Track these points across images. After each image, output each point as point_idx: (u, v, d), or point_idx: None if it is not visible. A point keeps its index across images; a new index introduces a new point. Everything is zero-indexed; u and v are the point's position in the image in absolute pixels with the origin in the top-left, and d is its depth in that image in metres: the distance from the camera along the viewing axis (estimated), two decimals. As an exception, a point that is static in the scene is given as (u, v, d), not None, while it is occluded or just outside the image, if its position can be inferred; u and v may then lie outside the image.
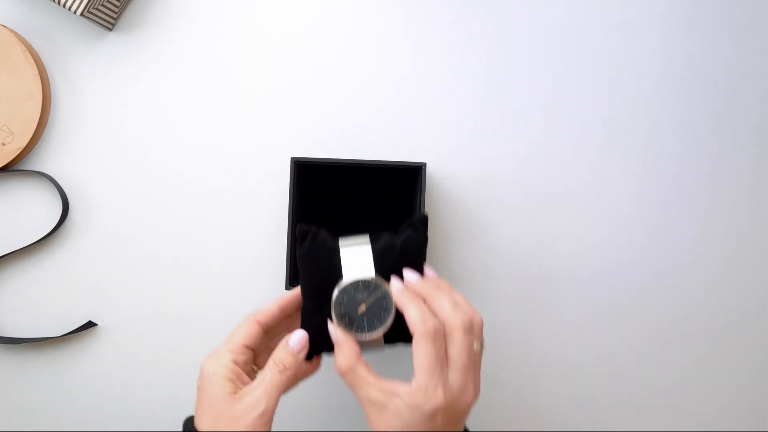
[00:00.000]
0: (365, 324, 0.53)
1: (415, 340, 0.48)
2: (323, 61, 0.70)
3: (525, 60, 0.70)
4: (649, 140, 0.70)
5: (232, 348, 0.51)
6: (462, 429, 0.51)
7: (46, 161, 0.69)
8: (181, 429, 0.54)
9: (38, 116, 0.67)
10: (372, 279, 0.53)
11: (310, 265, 0.55)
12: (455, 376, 0.48)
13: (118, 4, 0.67)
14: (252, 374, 0.53)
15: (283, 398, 0.51)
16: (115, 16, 0.68)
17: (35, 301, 0.69)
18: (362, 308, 0.53)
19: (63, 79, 0.70)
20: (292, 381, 0.52)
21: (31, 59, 0.67)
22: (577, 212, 0.70)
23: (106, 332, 0.69)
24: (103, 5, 0.66)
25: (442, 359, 0.48)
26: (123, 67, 0.70)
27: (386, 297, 0.53)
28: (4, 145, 0.67)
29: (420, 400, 0.47)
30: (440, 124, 0.70)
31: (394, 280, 0.53)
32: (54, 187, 0.70)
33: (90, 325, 0.69)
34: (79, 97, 0.70)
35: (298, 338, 0.52)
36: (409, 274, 0.53)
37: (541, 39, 0.70)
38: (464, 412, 0.49)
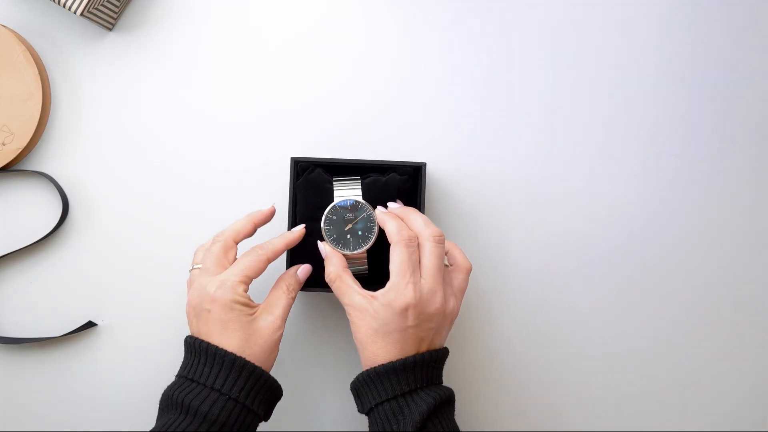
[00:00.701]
0: (351, 242, 0.61)
1: (391, 248, 0.55)
2: (323, 61, 0.70)
3: (525, 60, 0.70)
4: (649, 140, 0.70)
5: (244, 279, 0.56)
6: (433, 336, 0.56)
7: (46, 161, 0.69)
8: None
9: (38, 116, 0.67)
10: (359, 201, 0.61)
11: (307, 191, 0.63)
12: (426, 280, 0.54)
13: (118, 4, 0.67)
14: None
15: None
16: (115, 16, 0.68)
17: (35, 301, 0.69)
18: (349, 227, 0.61)
19: (63, 79, 0.70)
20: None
21: (31, 59, 0.67)
22: (578, 212, 0.70)
23: (106, 332, 0.69)
24: (103, 5, 0.66)
25: (415, 263, 0.55)
26: (123, 67, 0.70)
27: (371, 219, 0.61)
28: (4, 145, 0.67)
29: (392, 297, 0.54)
30: (440, 124, 0.70)
31: (379, 206, 0.60)
32: (54, 187, 0.70)
33: (90, 325, 0.69)
34: (79, 97, 0.70)
35: (306, 270, 0.60)
36: (391, 203, 0.61)
37: (541, 39, 0.70)
38: (435, 316, 0.54)
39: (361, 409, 0.57)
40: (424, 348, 0.55)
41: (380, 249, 0.62)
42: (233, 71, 0.70)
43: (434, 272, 0.55)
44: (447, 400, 0.55)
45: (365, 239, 0.61)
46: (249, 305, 0.56)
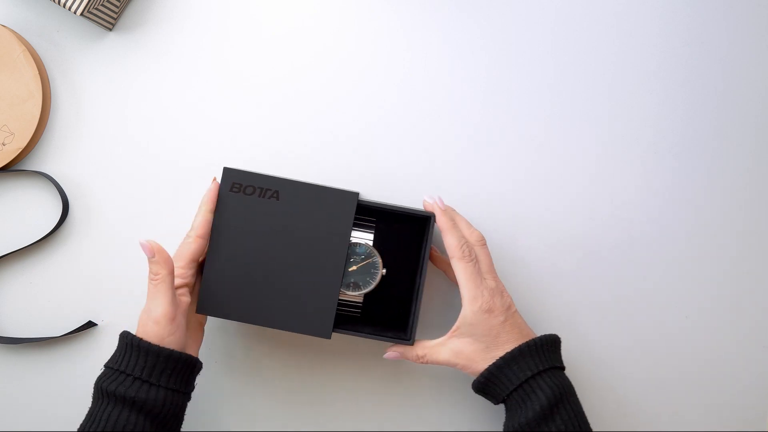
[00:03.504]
0: (351, 284, 0.63)
1: (455, 262, 0.60)
2: (323, 59, 0.70)
3: (524, 60, 0.70)
4: (649, 140, 0.70)
5: (181, 264, 0.60)
6: (518, 325, 0.61)
7: (46, 161, 0.70)
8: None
9: (38, 116, 0.67)
10: (370, 247, 0.62)
11: None
12: (488, 278, 0.61)
13: (118, 4, 0.67)
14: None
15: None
16: (115, 16, 0.68)
17: (35, 301, 0.69)
18: (353, 269, 0.62)
19: (63, 79, 0.70)
20: (171, 284, 0.57)
21: (31, 59, 0.67)
22: (578, 213, 0.70)
23: (106, 332, 0.69)
24: (103, 5, 0.66)
25: (478, 272, 0.60)
26: (123, 67, 0.70)
27: (375, 266, 0.63)
28: (4, 145, 0.67)
29: (476, 309, 0.59)
30: (440, 127, 0.70)
31: (430, 198, 0.62)
32: (54, 187, 0.70)
33: (90, 325, 0.69)
34: (79, 97, 0.70)
35: (144, 248, 0.56)
36: (434, 199, 0.62)
37: (541, 40, 0.70)
38: (511, 306, 0.60)
39: (495, 402, 0.61)
40: (530, 335, 0.61)
41: (375, 294, 0.65)
42: (234, 71, 0.70)
43: (489, 269, 0.61)
44: (569, 385, 0.59)
45: (366, 284, 0.63)
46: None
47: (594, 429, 0.70)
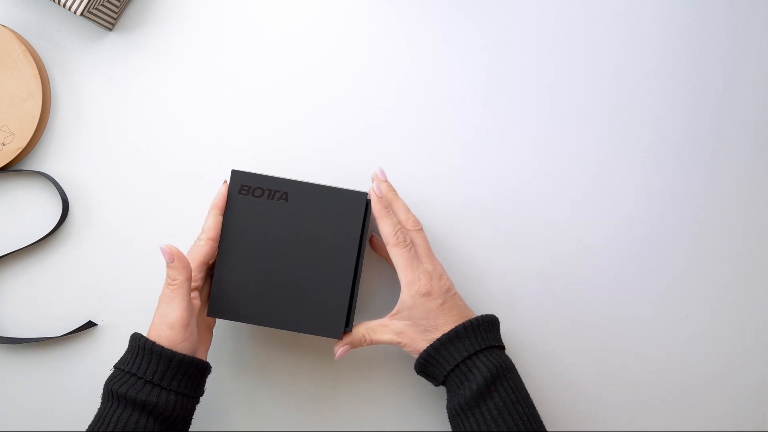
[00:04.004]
0: None
1: (390, 248, 0.61)
2: (323, 58, 0.70)
3: (524, 61, 0.70)
4: (649, 140, 0.70)
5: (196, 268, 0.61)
6: (463, 303, 0.62)
7: (46, 161, 0.70)
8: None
9: (38, 116, 0.67)
10: None
11: None
12: (425, 263, 0.61)
13: (118, 4, 0.67)
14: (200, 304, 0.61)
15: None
16: (115, 16, 0.68)
17: (35, 301, 0.69)
18: None
19: (63, 79, 0.70)
20: (188, 289, 0.57)
21: (31, 59, 0.67)
22: (578, 213, 0.70)
23: (106, 332, 0.69)
24: (103, 5, 0.66)
25: (414, 256, 0.61)
26: (123, 67, 0.70)
27: None
28: (4, 145, 0.67)
29: (413, 293, 0.60)
30: (443, 125, 0.70)
31: (379, 172, 0.63)
32: (54, 187, 0.70)
33: (90, 325, 0.69)
34: (79, 97, 0.70)
35: (168, 252, 0.56)
36: (381, 184, 0.63)
37: (540, 42, 0.70)
38: (450, 289, 0.61)
39: (435, 383, 0.62)
40: (470, 317, 0.62)
41: None
42: (234, 71, 0.70)
43: (426, 254, 0.62)
44: (508, 362, 0.60)
45: None
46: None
47: (594, 429, 0.70)
